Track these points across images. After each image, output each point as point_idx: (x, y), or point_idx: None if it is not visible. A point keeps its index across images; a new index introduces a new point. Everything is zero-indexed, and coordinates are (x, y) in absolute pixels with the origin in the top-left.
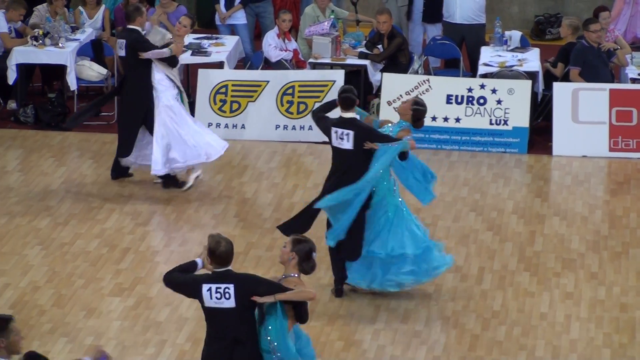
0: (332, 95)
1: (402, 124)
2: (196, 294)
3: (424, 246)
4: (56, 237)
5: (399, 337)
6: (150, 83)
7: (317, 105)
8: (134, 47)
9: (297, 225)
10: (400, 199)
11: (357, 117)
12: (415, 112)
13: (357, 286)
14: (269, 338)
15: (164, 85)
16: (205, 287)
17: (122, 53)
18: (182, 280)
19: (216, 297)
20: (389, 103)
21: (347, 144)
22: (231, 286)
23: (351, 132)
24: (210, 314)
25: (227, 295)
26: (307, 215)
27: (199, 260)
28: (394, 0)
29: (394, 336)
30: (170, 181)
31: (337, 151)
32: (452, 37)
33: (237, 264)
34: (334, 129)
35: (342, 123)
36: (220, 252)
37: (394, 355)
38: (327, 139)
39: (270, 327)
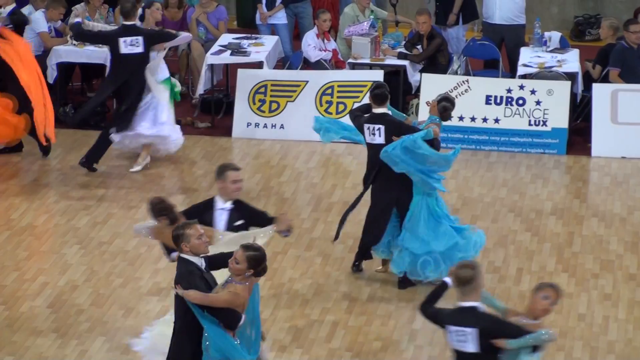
0: None
1: (431, 118)
2: None
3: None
4: (95, 236)
5: (437, 337)
6: None
7: (356, 105)
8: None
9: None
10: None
11: (389, 112)
12: (442, 106)
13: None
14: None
15: None
16: None
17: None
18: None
19: None
20: (428, 104)
21: (380, 139)
22: None
23: (382, 127)
24: None
25: None
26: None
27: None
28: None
29: (431, 336)
30: None
31: (371, 147)
32: (492, 37)
33: (275, 263)
34: (366, 125)
35: (373, 119)
36: None
37: (431, 356)
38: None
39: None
